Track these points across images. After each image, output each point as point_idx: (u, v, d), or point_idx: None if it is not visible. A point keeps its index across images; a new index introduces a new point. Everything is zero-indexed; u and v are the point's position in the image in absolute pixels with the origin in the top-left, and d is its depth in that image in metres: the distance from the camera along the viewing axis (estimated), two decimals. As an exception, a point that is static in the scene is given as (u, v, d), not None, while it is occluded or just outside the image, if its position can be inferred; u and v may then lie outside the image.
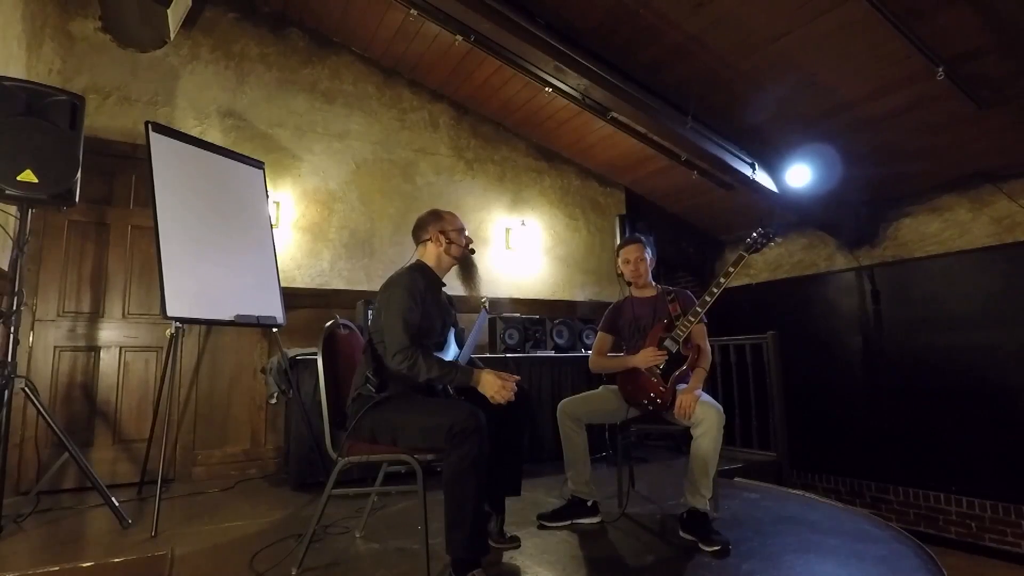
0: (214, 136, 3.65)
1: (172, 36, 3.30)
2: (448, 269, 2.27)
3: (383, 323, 1.99)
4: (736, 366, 4.11)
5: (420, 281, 2.06)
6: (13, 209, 2.46)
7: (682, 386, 2.41)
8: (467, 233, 2.28)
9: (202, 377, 3.51)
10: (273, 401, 3.43)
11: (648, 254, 2.69)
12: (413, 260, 2.22)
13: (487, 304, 2.60)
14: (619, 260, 2.75)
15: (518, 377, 1.99)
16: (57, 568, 1.95)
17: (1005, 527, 3.89)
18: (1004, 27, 2.87)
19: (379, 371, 1.99)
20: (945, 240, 4.32)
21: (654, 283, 2.72)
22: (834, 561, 1.99)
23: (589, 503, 2.48)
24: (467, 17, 3.26)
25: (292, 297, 3.60)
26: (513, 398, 1.93)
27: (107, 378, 3.28)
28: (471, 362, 2.23)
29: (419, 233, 2.23)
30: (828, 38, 3.13)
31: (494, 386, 1.90)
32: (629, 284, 2.74)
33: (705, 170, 4.53)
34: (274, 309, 3.19)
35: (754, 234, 2.42)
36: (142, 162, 2.91)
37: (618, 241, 5.09)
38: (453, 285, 2.35)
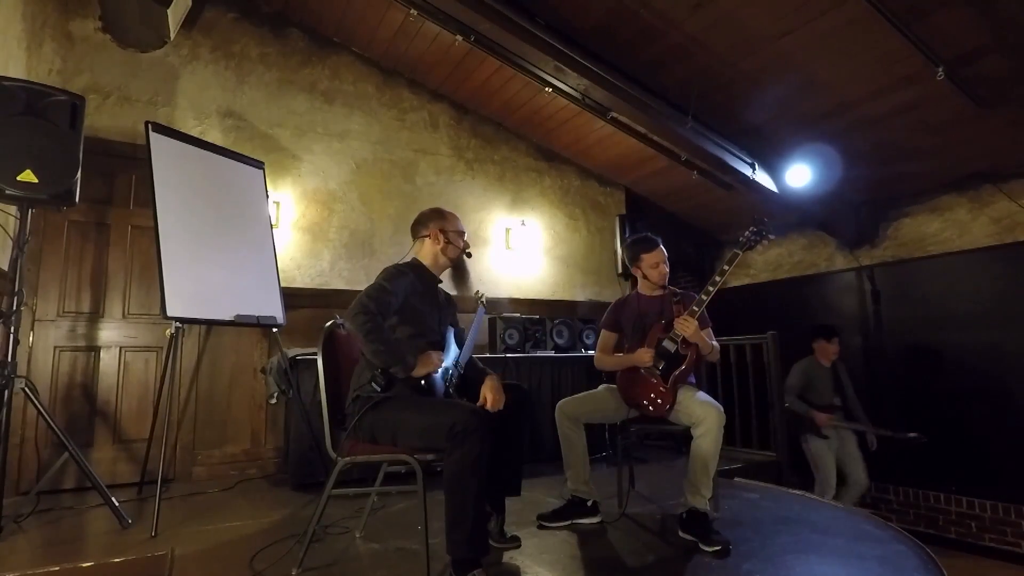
0: (214, 136, 3.65)
1: (172, 36, 3.30)
2: (444, 269, 2.27)
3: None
4: (736, 366, 4.10)
5: (409, 276, 2.07)
6: (13, 209, 2.47)
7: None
8: (466, 237, 2.28)
9: (202, 377, 3.51)
10: (273, 401, 3.43)
11: None
12: (409, 257, 2.22)
13: (484, 299, 2.59)
14: (643, 263, 2.60)
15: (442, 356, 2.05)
16: (57, 568, 1.95)
17: (1005, 527, 3.89)
18: (1004, 27, 2.87)
19: (385, 371, 1.98)
20: (945, 240, 4.32)
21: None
22: (834, 561, 1.99)
23: (589, 503, 2.47)
24: (467, 17, 3.26)
25: (292, 297, 3.60)
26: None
27: (107, 378, 3.28)
28: (472, 362, 2.23)
29: (419, 228, 2.24)
30: (828, 38, 3.13)
31: (429, 367, 1.95)
32: (664, 284, 2.61)
33: (705, 170, 4.52)
34: (274, 309, 3.19)
35: (747, 232, 2.42)
36: (142, 162, 2.91)
37: (618, 241, 5.09)
38: (445, 286, 2.35)
